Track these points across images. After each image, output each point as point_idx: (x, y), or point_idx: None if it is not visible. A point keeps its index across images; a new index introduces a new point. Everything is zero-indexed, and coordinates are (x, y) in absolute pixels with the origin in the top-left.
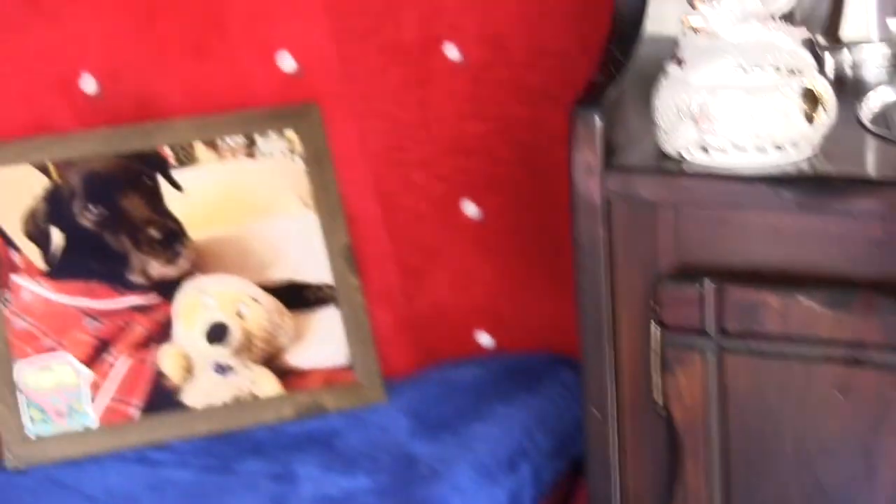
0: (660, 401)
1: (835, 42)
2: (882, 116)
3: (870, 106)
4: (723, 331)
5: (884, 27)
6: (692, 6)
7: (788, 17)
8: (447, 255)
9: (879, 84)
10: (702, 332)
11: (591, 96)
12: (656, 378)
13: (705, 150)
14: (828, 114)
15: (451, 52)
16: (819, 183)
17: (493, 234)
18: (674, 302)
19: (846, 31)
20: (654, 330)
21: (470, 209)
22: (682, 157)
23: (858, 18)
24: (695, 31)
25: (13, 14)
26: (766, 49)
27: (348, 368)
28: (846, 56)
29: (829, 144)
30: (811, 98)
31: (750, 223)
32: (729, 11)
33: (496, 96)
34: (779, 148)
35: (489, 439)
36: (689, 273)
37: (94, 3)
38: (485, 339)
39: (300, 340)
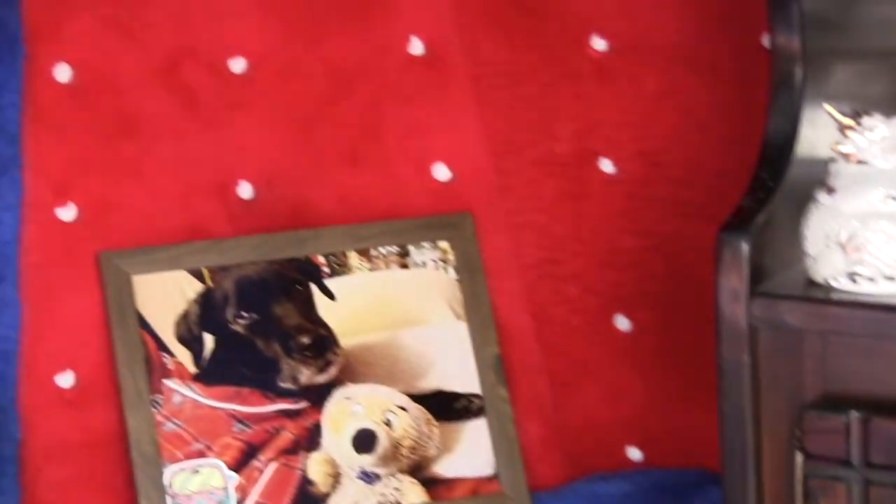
0: None
1: None
2: None
3: None
4: (868, 463)
5: None
6: (843, 134)
7: None
8: (598, 368)
9: None
10: (846, 462)
11: (739, 221)
12: None
13: (853, 278)
14: None
15: (607, 166)
16: None
17: (643, 347)
18: (818, 431)
19: None
20: (798, 458)
21: (622, 323)
22: (829, 284)
23: None
24: (845, 158)
25: (173, 121)
26: None
27: (495, 479)
28: None
29: None
30: None
31: None
32: (880, 140)
33: (651, 211)
34: None
35: None
36: (834, 402)
37: (253, 112)
38: (634, 453)
39: (447, 450)
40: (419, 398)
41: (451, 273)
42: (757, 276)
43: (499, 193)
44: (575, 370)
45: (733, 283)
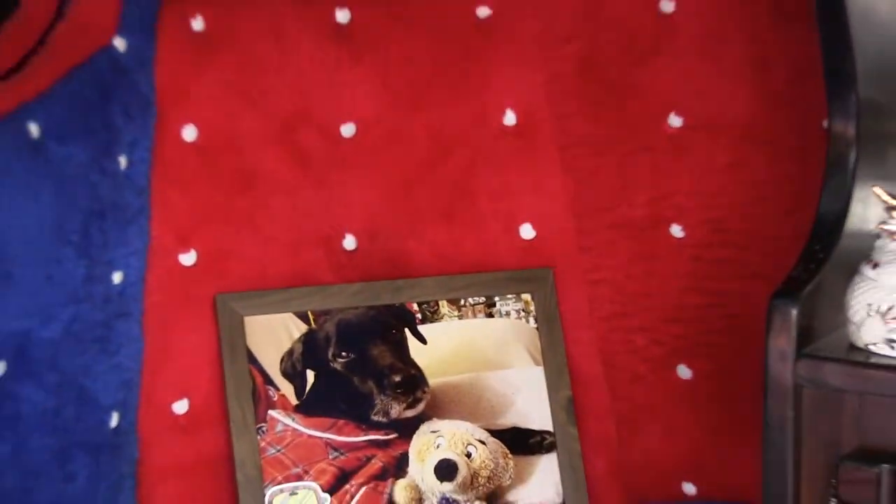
0: None
1: None
2: None
3: None
4: None
5: None
6: (889, 214)
7: None
8: (660, 411)
9: None
10: None
11: (790, 289)
12: None
13: (892, 345)
14: None
15: (676, 231)
16: None
17: (701, 394)
18: (852, 481)
19: None
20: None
21: (683, 372)
22: (869, 349)
23: None
24: (890, 236)
25: (287, 178)
26: None
27: None
28: None
29: None
30: None
31: None
32: None
33: (714, 273)
34: None
35: None
36: (868, 455)
37: (359, 171)
38: (689, 487)
39: (520, 481)
40: (497, 433)
41: (532, 322)
42: (804, 338)
43: (578, 252)
44: (639, 412)
45: (781, 344)
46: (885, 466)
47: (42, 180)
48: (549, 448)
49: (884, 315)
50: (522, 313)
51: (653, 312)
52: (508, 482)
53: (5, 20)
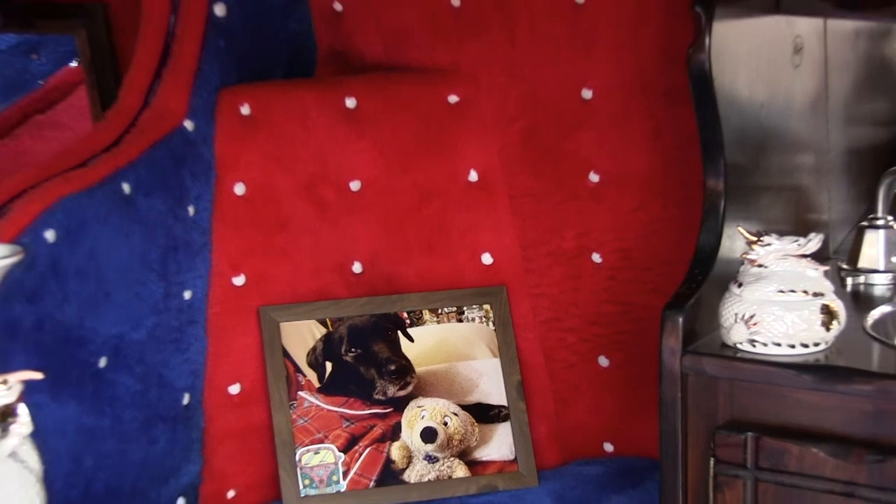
0: None
1: (855, 269)
2: (881, 323)
3: (873, 316)
4: (758, 466)
5: (888, 261)
6: (749, 246)
7: (824, 252)
8: (586, 390)
9: (882, 300)
10: (743, 466)
11: (677, 302)
12: (711, 494)
13: (753, 344)
14: (840, 324)
15: (596, 258)
16: (830, 371)
17: (616, 377)
18: (725, 445)
19: (862, 262)
20: (711, 462)
21: (603, 361)
22: (736, 347)
23: (871, 254)
24: (750, 263)
25: (310, 221)
26: (799, 278)
27: (514, 462)
28: (861, 279)
29: (841, 343)
30: (829, 312)
31: (781, 394)
32: (774, 251)
33: (624, 289)
34: (804, 345)
35: None
36: (737, 426)
37: (363, 216)
38: (608, 446)
39: (483, 442)
40: (466, 407)
41: (491, 326)
42: (688, 338)
43: (524, 274)
44: (570, 392)
45: (672, 343)
46: (749, 433)
47: (132, 225)
48: (505, 418)
49: (746, 321)
50: (484, 319)
51: (579, 318)
52: (475, 443)
53: (108, 109)
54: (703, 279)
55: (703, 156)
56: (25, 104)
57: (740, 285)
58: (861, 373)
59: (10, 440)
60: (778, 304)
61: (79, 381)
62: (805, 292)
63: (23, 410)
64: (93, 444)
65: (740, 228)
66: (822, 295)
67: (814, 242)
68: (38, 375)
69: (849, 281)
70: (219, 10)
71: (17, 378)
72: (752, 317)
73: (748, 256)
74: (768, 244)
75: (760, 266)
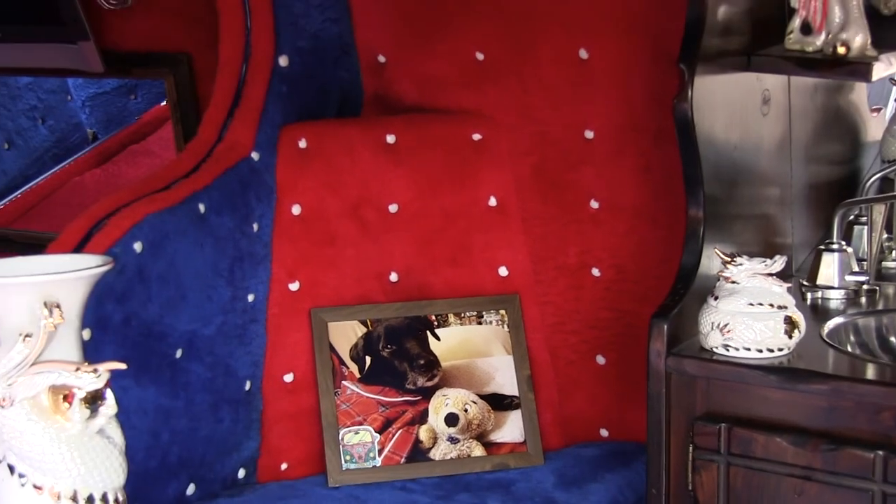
0: (691, 488)
1: (814, 285)
2: (836, 332)
3: (829, 326)
4: (730, 452)
5: (842, 279)
6: (724, 265)
7: (787, 270)
8: (585, 384)
9: (836, 312)
10: (717, 452)
11: (662, 311)
12: (690, 475)
13: (727, 348)
14: (800, 332)
15: (595, 272)
16: (792, 372)
17: (612, 373)
18: (702, 433)
19: (820, 280)
20: (690, 449)
21: (600, 359)
22: (713, 351)
23: (828, 273)
24: (725, 279)
25: (354, 237)
26: (766, 293)
27: (523, 444)
28: (819, 294)
29: (801, 349)
30: (791, 323)
31: (750, 392)
32: (745, 270)
33: (619, 298)
34: (770, 350)
35: (599, 492)
36: (712, 417)
37: (399, 234)
38: (604, 432)
39: (498, 427)
40: (484, 396)
41: (506, 328)
42: (671, 343)
43: (534, 284)
44: (572, 385)
45: (657, 347)
46: (723, 424)
47: (206, 238)
48: (516, 406)
49: (721, 329)
50: (500, 322)
51: (580, 322)
52: (491, 427)
53: (189, 141)
54: (685, 292)
55: (686, 188)
56: (123, 136)
57: (716, 298)
58: (818, 374)
59: (98, 419)
60: (748, 314)
61: (158, 369)
62: (771, 305)
63: (109, 395)
64: (168, 422)
65: (716, 250)
66: (785, 308)
67: (778, 263)
68: (122, 366)
69: (808, 296)
70: (282, 61)
71: (105, 367)
72: (726, 325)
73: (723, 274)
74: (740, 264)
75: (733, 282)
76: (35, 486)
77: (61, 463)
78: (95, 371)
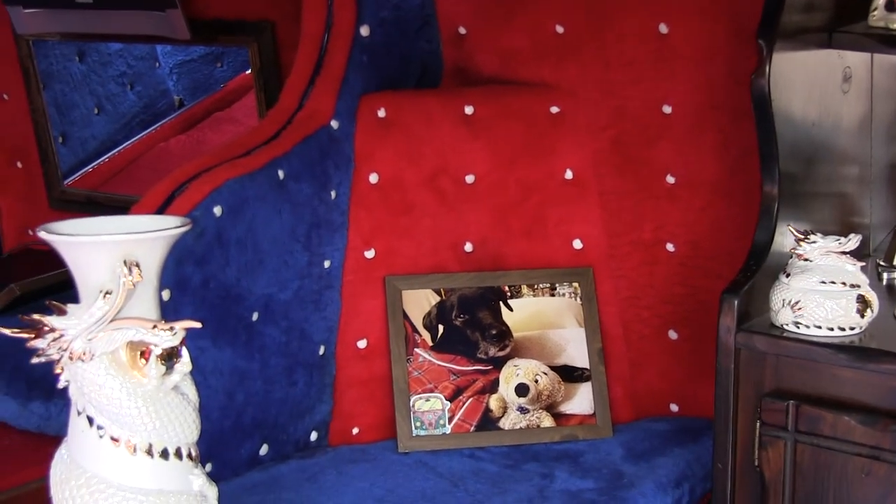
0: (757, 464)
1: (891, 266)
2: None
3: None
4: (797, 430)
5: None
6: (797, 243)
7: (864, 250)
8: (657, 359)
9: None
10: (785, 428)
11: (734, 287)
12: (756, 452)
13: (797, 325)
14: (873, 312)
15: (670, 247)
16: (863, 351)
17: (683, 349)
18: (770, 410)
19: None
20: (758, 425)
21: (672, 334)
22: (783, 328)
23: None
24: (797, 256)
25: (431, 207)
26: (839, 271)
27: (593, 416)
28: None
29: (874, 329)
30: (864, 302)
31: (819, 370)
32: (819, 247)
33: (692, 274)
34: (841, 329)
35: (667, 466)
36: (780, 394)
37: (476, 204)
38: (674, 407)
39: (568, 398)
40: (555, 368)
41: (578, 300)
42: (742, 319)
43: (608, 258)
44: (643, 359)
45: (728, 322)
46: (791, 401)
47: (284, 204)
48: (587, 379)
49: (792, 306)
50: (573, 295)
51: (654, 297)
52: (560, 399)
53: (269, 108)
54: (757, 269)
55: (761, 165)
56: (209, 103)
57: (788, 275)
58: (889, 354)
59: (174, 376)
60: (820, 292)
61: (234, 331)
62: (844, 284)
63: (185, 352)
64: (244, 384)
65: (790, 227)
66: (858, 287)
67: (852, 241)
68: (197, 325)
69: (885, 276)
70: (364, 30)
71: (182, 326)
72: (797, 302)
73: (796, 251)
74: (814, 241)
75: (806, 260)
76: (112, 439)
77: (137, 417)
78: (172, 329)
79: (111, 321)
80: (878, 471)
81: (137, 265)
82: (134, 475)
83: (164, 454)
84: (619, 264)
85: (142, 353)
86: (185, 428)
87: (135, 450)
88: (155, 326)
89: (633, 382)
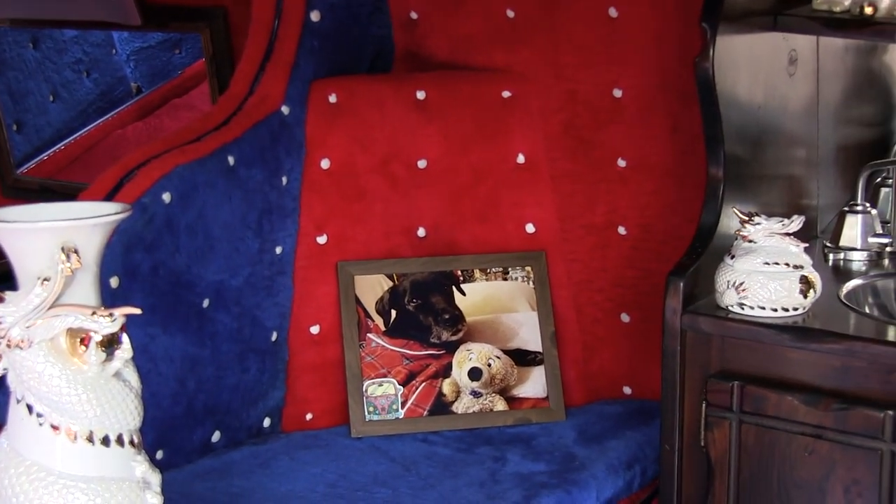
0: (703, 445)
1: (837, 247)
2: (853, 294)
3: (847, 287)
4: (742, 410)
5: (864, 241)
6: (742, 224)
7: (812, 231)
8: (609, 341)
9: (857, 274)
10: (730, 409)
11: (679, 269)
12: (703, 432)
13: (741, 307)
14: (816, 292)
15: (621, 230)
16: (805, 331)
17: (636, 331)
18: (715, 391)
19: (843, 241)
20: (703, 406)
21: (624, 317)
22: (728, 309)
23: (851, 234)
24: (742, 238)
25: (383, 192)
26: (783, 252)
27: (546, 399)
28: (841, 256)
29: (817, 309)
30: (807, 283)
31: (764, 350)
32: (763, 229)
33: (644, 257)
34: (785, 309)
35: (619, 448)
36: (726, 375)
37: (428, 190)
38: (627, 389)
39: (521, 382)
40: (508, 352)
41: (531, 284)
42: (687, 301)
43: (561, 242)
44: (596, 342)
45: (673, 304)
46: (736, 382)
47: (234, 190)
48: (540, 362)
49: (737, 288)
50: (526, 279)
51: (606, 280)
52: (514, 383)
53: (221, 95)
54: (703, 251)
55: (707, 148)
56: (166, 90)
57: (733, 257)
58: (831, 334)
59: (114, 363)
60: (764, 273)
61: (185, 318)
62: (787, 265)
63: (125, 339)
64: (195, 370)
65: (735, 209)
66: (801, 267)
67: (796, 223)
68: (136, 311)
69: (831, 257)
70: (314, 16)
71: (121, 312)
72: (741, 284)
73: (740, 233)
74: (758, 223)
75: (750, 241)
76: (52, 426)
77: (78, 404)
78: (111, 315)
79: (50, 308)
80: (821, 449)
81: (76, 251)
82: (75, 463)
83: (106, 441)
84: (572, 248)
85: (81, 340)
86: (126, 415)
87: (75, 437)
88: (94, 313)
89: (587, 365)
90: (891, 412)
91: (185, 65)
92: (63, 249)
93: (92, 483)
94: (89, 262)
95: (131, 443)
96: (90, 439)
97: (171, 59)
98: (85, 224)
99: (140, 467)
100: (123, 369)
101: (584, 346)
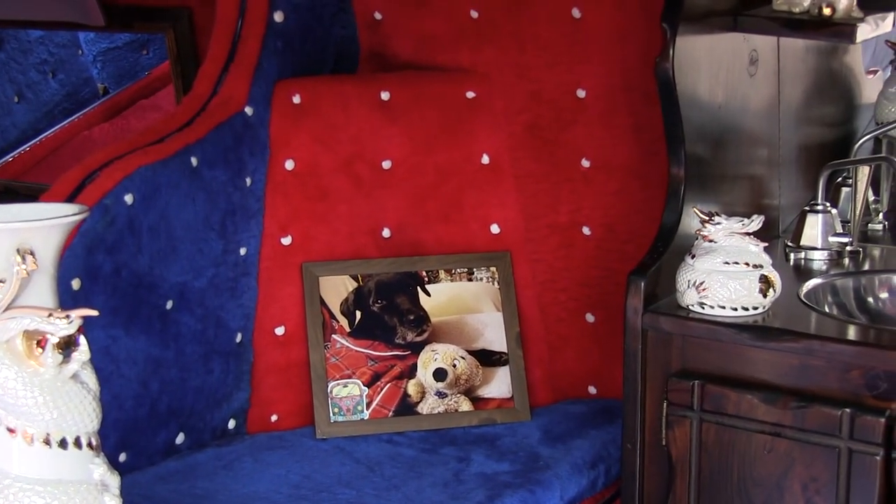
0: (664, 443)
1: (797, 246)
2: (813, 293)
3: (807, 286)
4: (702, 409)
5: (825, 241)
6: (703, 224)
7: (774, 231)
8: (574, 341)
9: (818, 273)
10: (690, 408)
11: (640, 269)
12: (664, 431)
13: (702, 306)
14: (776, 292)
15: (586, 230)
16: (765, 330)
17: (601, 331)
18: (676, 390)
19: (803, 241)
20: (665, 405)
21: (589, 317)
22: (689, 308)
23: (811, 234)
24: (702, 238)
25: (348, 193)
26: (742, 252)
27: (511, 400)
28: (802, 255)
29: (777, 308)
30: (766, 282)
31: (724, 349)
32: (722, 229)
33: (608, 257)
34: (745, 309)
35: (583, 448)
36: (687, 374)
37: (393, 190)
38: (592, 389)
39: (486, 383)
40: (473, 352)
41: (496, 285)
42: (648, 300)
43: (525, 242)
44: (561, 342)
45: (635, 303)
46: (696, 381)
47: (198, 191)
48: (505, 363)
49: (697, 287)
50: (490, 279)
51: (570, 280)
52: (479, 383)
53: (185, 95)
54: (664, 251)
55: (668, 148)
56: (133, 91)
57: (693, 256)
58: (790, 332)
59: (72, 365)
60: (724, 273)
61: (148, 320)
62: (747, 264)
63: (83, 341)
64: (158, 372)
65: (695, 209)
66: (761, 267)
67: (755, 222)
68: (93, 312)
69: (792, 256)
70: (277, 16)
71: (78, 314)
72: (701, 283)
73: (701, 232)
74: (718, 223)
75: (711, 241)
76: (8, 429)
77: (34, 407)
78: (68, 317)
79: (5, 310)
80: (780, 447)
81: (32, 253)
82: (32, 466)
83: (63, 444)
84: (536, 248)
85: (38, 343)
86: (84, 417)
87: (32, 440)
88: (51, 315)
89: (552, 365)
90: (848, 410)
91: (152, 66)
92: (18, 251)
93: (49, 486)
94: (46, 263)
95: (89, 445)
96: (47, 442)
97: (138, 59)
98: (41, 225)
99: (98, 470)
100: (81, 371)
101: (549, 345)
